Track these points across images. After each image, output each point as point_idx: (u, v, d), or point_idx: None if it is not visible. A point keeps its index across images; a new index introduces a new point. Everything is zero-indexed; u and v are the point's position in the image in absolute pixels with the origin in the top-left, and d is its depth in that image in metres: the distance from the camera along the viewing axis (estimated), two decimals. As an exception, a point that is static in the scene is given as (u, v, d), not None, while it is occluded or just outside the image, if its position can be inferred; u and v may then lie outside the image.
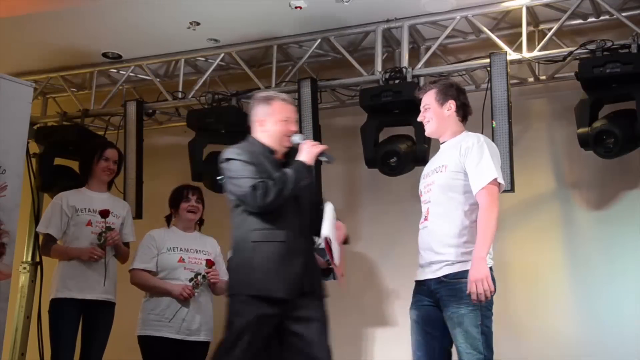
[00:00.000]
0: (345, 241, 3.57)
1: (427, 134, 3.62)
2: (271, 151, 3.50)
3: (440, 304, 3.30)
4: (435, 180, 3.43)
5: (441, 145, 3.58)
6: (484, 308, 3.24)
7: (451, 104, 3.51)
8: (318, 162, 3.58)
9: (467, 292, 3.17)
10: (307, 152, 3.43)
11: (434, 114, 3.52)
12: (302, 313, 3.35)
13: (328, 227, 3.34)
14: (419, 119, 3.60)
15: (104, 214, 4.38)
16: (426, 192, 3.48)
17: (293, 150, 3.51)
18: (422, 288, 3.40)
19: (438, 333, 3.33)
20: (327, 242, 3.33)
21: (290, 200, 3.38)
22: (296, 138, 3.50)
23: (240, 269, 3.39)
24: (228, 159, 3.45)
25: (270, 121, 3.51)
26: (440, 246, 3.33)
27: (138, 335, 4.34)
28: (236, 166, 3.42)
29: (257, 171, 3.38)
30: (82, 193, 4.54)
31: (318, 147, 3.46)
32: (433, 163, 3.54)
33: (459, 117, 3.53)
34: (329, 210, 3.41)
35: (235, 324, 3.30)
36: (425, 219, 3.43)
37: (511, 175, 4.42)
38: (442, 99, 3.51)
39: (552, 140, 5.02)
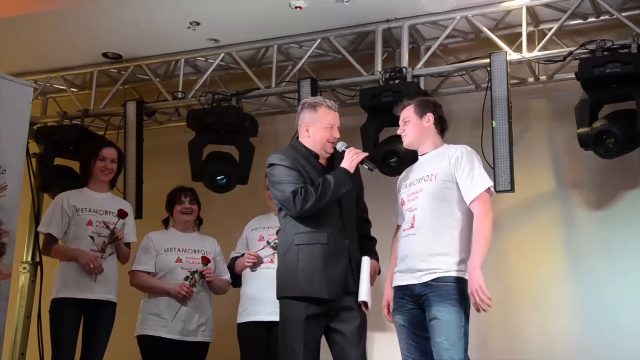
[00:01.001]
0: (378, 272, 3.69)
1: (405, 145, 3.69)
2: (315, 156, 3.59)
3: (425, 305, 3.33)
4: (424, 188, 3.47)
5: (420, 157, 3.64)
6: (467, 312, 3.30)
7: (430, 117, 3.60)
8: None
9: (477, 307, 3.22)
10: (350, 159, 3.50)
11: (413, 126, 3.60)
12: (346, 312, 3.45)
13: (365, 291, 3.45)
14: (398, 132, 3.68)
15: (123, 214, 4.41)
16: (411, 200, 3.52)
17: (337, 155, 3.60)
18: (405, 293, 3.43)
19: (428, 334, 3.34)
20: (365, 304, 3.46)
21: (334, 203, 3.47)
22: (339, 145, 3.58)
23: (285, 272, 3.49)
24: (271, 164, 3.55)
25: (315, 127, 3.60)
26: (431, 254, 3.37)
27: (137, 335, 4.36)
28: (279, 171, 3.51)
29: (299, 176, 3.47)
30: (83, 193, 4.53)
31: (360, 155, 3.52)
32: (417, 172, 3.59)
33: (437, 130, 3.62)
34: (365, 267, 3.50)
35: (287, 333, 3.42)
36: (412, 226, 3.46)
37: (511, 175, 4.42)
38: (421, 111, 3.61)
39: (552, 140, 5.02)
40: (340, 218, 3.50)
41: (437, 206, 3.42)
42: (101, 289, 4.33)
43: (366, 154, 3.56)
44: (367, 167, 3.58)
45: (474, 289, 3.20)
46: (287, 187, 3.44)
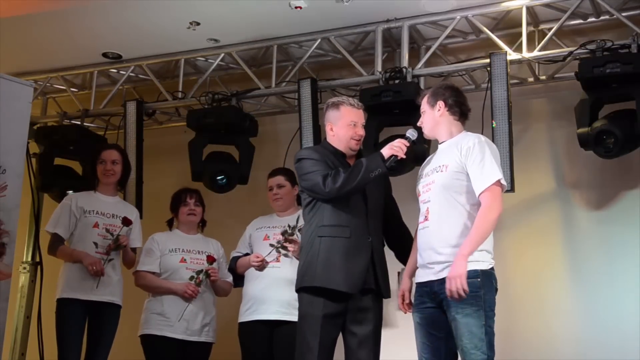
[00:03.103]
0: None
1: (425, 137, 3.67)
2: (342, 154, 3.65)
3: (444, 304, 3.29)
4: (436, 179, 3.43)
5: (439, 146, 3.59)
6: (488, 308, 3.25)
7: (440, 105, 3.51)
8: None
9: (449, 294, 3.19)
10: (389, 147, 3.50)
11: (428, 117, 3.56)
12: (362, 313, 3.48)
13: None
14: (418, 124, 3.63)
15: (127, 222, 4.40)
16: (425, 192, 3.47)
17: (365, 156, 3.65)
18: (424, 290, 3.39)
19: (443, 334, 3.33)
20: None
21: (360, 201, 3.51)
22: (409, 132, 3.58)
23: (306, 263, 3.52)
24: (300, 159, 3.62)
25: (338, 125, 3.66)
26: (443, 246, 3.32)
27: (140, 335, 4.36)
28: (307, 163, 3.58)
29: (327, 168, 3.52)
30: (92, 196, 4.54)
31: (400, 151, 3.48)
32: (432, 163, 3.54)
33: (455, 117, 3.52)
34: None
35: (304, 330, 3.45)
36: (426, 218, 3.42)
37: (511, 175, 4.42)
38: (433, 100, 3.55)
39: (552, 140, 5.02)
40: (365, 216, 3.53)
41: (449, 197, 3.36)
42: (105, 291, 4.33)
43: (404, 156, 3.50)
44: (392, 163, 3.54)
45: (453, 276, 3.16)
46: (316, 174, 3.49)
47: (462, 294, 3.17)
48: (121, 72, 5.91)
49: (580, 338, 4.66)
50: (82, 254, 4.32)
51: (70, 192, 5.08)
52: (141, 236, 4.61)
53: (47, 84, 6.07)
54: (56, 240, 4.43)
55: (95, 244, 4.34)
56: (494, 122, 4.53)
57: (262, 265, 4.25)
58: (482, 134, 4.48)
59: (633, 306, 4.49)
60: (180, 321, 4.28)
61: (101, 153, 4.56)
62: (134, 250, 4.56)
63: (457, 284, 3.16)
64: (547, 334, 4.72)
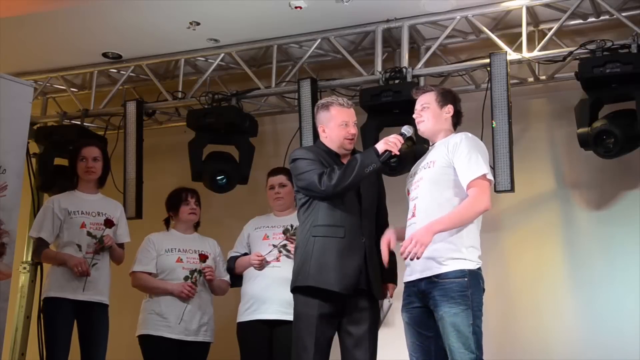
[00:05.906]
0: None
1: (420, 132, 3.63)
2: (336, 155, 3.64)
3: (431, 304, 3.30)
4: (424, 176, 3.46)
5: (431, 147, 3.62)
6: (475, 308, 3.25)
7: (450, 108, 3.56)
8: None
9: (403, 249, 3.21)
10: (384, 143, 3.50)
11: (432, 114, 3.55)
12: (357, 313, 3.48)
13: None
14: (414, 116, 3.62)
15: (109, 224, 4.38)
16: (414, 189, 3.50)
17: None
18: (412, 289, 3.40)
19: (432, 334, 3.34)
20: None
21: (355, 200, 3.52)
22: (404, 128, 3.58)
23: (300, 263, 3.53)
24: (294, 159, 3.62)
25: (329, 126, 3.66)
26: (431, 242, 3.30)
27: (138, 335, 4.36)
28: (302, 163, 3.57)
29: (322, 167, 3.51)
30: (74, 195, 4.50)
31: (394, 148, 3.48)
32: (421, 162, 3.58)
33: (452, 123, 3.59)
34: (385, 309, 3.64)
35: (300, 330, 3.46)
36: (413, 215, 3.44)
37: (511, 175, 4.42)
38: (443, 101, 3.56)
39: (552, 140, 5.02)
40: (359, 216, 3.53)
41: (436, 193, 3.38)
42: (93, 290, 4.31)
43: (397, 153, 3.52)
44: (391, 162, 3.54)
45: (418, 240, 3.17)
46: (311, 173, 3.49)
47: (414, 258, 3.17)
48: (121, 72, 5.91)
49: (580, 338, 4.66)
50: (66, 255, 4.29)
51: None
52: (128, 231, 4.58)
53: (47, 84, 6.07)
54: (40, 245, 4.40)
55: (79, 246, 4.31)
56: (494, 122, 4.53)
57: (262, 265, 4.25)
58: (482, 134, 4.55)
59: (633, 306, 4.49)
60: (178, 321, 4.27)
61: (81, 150, 4.49)
62: (122, 245, 4.53)
63: (415, 249, 3.17)
64: (547, 334, 4.72)
